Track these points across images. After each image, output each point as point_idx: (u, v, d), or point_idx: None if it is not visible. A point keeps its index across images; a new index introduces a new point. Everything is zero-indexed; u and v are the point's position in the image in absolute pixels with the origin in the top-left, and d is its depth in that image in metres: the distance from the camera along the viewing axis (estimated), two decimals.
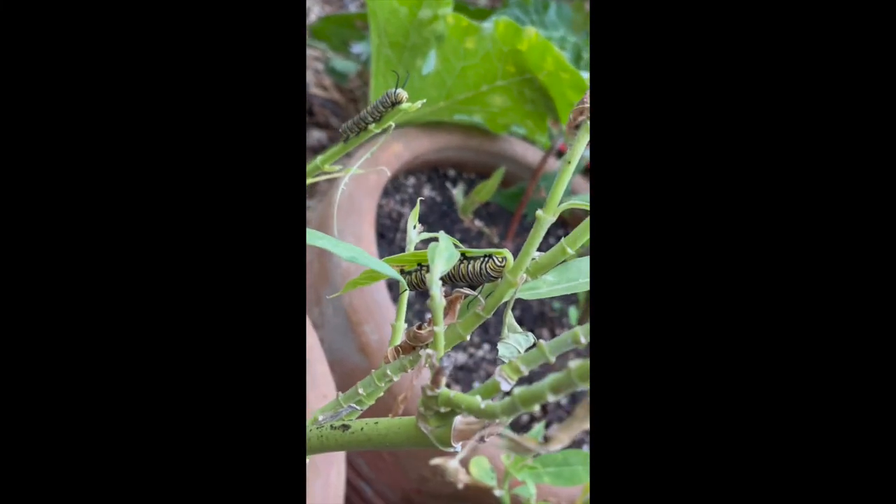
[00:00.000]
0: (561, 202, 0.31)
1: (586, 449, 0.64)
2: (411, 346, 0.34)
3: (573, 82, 0.82)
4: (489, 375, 0.73)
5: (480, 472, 0.55)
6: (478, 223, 0.90)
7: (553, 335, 0.90)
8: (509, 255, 0.32)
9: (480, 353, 0.84)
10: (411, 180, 0.96)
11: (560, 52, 0.80)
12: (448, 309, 0.34)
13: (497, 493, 0.54)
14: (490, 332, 0.87)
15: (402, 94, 0.43)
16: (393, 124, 0.45)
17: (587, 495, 0.61)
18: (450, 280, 0.34)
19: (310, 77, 1.42)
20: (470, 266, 0.33)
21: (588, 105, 0.32)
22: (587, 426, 0.20)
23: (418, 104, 0.43)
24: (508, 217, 1.00)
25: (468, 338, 0.32)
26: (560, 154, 0.94)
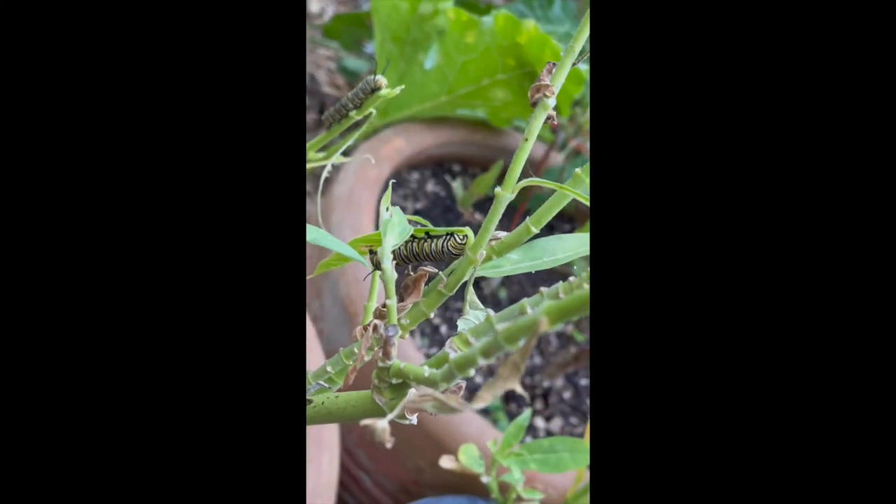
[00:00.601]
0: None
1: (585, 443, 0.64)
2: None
3: (572, 75, 0.82)
4: (487, 367, 0.73)
5: (469, 459, 0.55)
6: (479, 216, 0.90)
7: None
8: (470, 233, 0.33)
9: None
10: (415, 175, 0.97)
11: (558, 45, 0.80)
12: (413, 287, 0.34)
13: (484, 479, 0.54)
14: None
15: (382, 80, 0.43)
16: (374, 111, 0.45)
17: (580, 484, 0.61)
18: (414, 258, 0.34)
19: (322, 76, 1.43)
20: (433, 244, 0.33)
21: (546, 82, 0.32)
22: (511, 386, 0.20)
23: (397, 90, 0.44)
24: (512, 210, 1.00)
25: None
26: (563, 147, 0.94)
